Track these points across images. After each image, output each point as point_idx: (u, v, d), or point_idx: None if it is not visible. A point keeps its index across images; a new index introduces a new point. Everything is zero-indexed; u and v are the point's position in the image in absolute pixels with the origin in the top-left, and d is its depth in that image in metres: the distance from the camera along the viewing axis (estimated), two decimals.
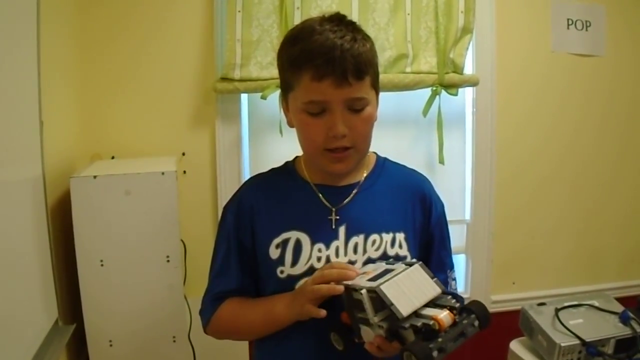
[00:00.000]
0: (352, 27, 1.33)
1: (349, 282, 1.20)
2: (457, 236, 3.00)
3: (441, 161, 2.74)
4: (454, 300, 1.17)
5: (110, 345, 1.98)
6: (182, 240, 2.15)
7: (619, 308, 2.19)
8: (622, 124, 3.17)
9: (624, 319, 2.11)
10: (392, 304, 1.11)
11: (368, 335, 1.18)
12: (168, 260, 1.99)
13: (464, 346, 1.11)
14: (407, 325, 1.11)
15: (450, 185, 2.91)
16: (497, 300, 3.07)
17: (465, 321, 1.13)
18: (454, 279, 1.53)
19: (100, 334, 1.97)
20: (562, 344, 2.00)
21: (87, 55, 2.46)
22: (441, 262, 1.50)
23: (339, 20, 1.33)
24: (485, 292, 3.06)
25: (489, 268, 3.05)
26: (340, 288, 1.21)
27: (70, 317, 2.01)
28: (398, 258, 1.38)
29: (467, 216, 3.00)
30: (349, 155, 1.35)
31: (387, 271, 1.20)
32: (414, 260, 1.25)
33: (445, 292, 1.19)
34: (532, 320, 2.14)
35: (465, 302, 1.19)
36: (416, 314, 1.13)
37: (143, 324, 2.01)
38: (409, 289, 1.14)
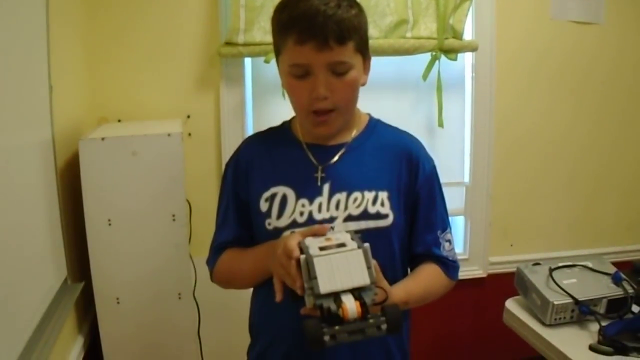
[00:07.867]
0: None
1: (307, 243, 1.21)
2: (456, 198, 3.04)
3: (440, 124, 2.76)
4: (376, 296, 1.15)
5: (118, 303, 2.02)
6: (187, 201, 2.18)
7: (612, 269, 2.21)
8: (624, 90, 3.18)
9: (616, 280, 2.13)
10: (315, 277, 1.12)
11: (308, 302, 1.17)
12: (174, 219, 2.02)
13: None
14: (320, 302, 1.11)
15: (449, 148, 2.93)
16: (495, 261, 3.12)
17: (372, 320, 1.08)
18: (448, 241, 1.55)
19: (107, 292, 2.01)
20: (555, 302, 2.04)
21: (93, 20, 2.48)
22: (429, 223, 1.53)
23: None
24: (483, 253, 3.11)
25: (488, 230, 3.10)
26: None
27: (79, 275, 2.05)
28: (379, 216, 1.44)
29: (466, 179, 3.03)
30: (332, 118, 1.41)
31: (342, 245, 1.19)
32: (366, 244, 1.19)
33: (374, 284, 1.15)
34: (526, 279, 2.17)
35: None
36: (336, 295, 1.11)
37: (149, 282, 2.05)
38: (339, 270, 1.13)
